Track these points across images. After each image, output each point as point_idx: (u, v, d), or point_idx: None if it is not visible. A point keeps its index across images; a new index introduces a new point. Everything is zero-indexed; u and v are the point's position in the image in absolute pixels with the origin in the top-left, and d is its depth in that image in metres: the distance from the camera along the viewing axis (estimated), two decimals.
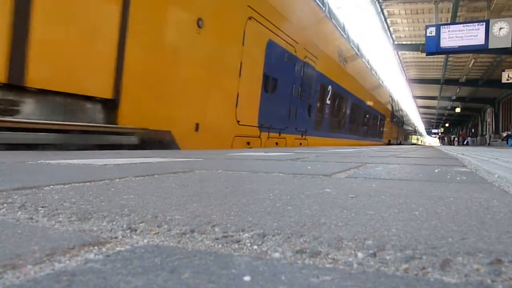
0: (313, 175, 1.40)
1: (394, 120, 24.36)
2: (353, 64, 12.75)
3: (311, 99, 8.97)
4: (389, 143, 21.88)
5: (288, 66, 7.51)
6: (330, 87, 10.34)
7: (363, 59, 14.51)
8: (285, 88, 7.53)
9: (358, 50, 13.70)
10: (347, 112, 12.90)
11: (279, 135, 7.43)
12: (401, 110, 28.49)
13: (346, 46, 11.77)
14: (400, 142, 27.88)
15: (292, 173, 1.45)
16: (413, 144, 39.54)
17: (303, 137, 8.81)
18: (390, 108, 22.08)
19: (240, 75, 5.72)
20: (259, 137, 6.61)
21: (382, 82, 19.51)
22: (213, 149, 4.68)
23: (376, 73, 17.50)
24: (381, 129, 20.24)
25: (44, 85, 3.09)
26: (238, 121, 5.80)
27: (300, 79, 8.17)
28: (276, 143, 7.37)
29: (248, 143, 6.23)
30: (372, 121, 17.52)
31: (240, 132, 5.91)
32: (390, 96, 22.20)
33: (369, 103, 16.13)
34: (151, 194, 0.88)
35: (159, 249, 0.46)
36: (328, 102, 10.48)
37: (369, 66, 15.72)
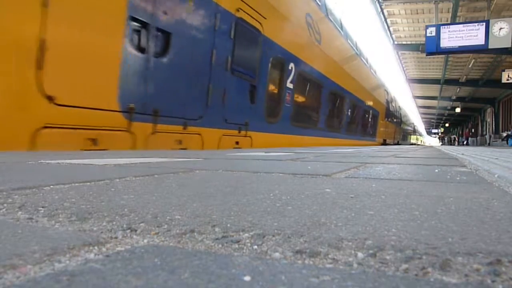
0: (313, 175, 1.40)
1: (391, 118, 22.76)
2: (333, 43, 9.94)
3: (255, 78, 6.14)
4: (384, 143, 20.42)
5: (199, 16, 4.73)
6: (292, 65, 7.42)
7: (349, 41, 11.65)
8: (193, 52, 4.71)
9: (342, 27, 10.72)
10: (322, 103, 9.83)
11: (184, 128, 4.62)
12: (399, 108, 27.17)
13: (323, 18, 8.88)
14: (398, 142, 26.74)
15: (292, 173, 1.45)
16: (412, 144, 39.32)
17: (242, 132, 6.01)
18: (385, 104, 20.35)
19: (46, 4, 2.97)
20: (128, 130, 3.82)
21: (375, 73, 17.07)
22: None
23: (367, 61, 14.97)
24: (374, 126, 17.93)
25: None
26: (52, 98, 3.08)
27: (231, 44, 5.38)
28: (180, 141, 4.58)
29: (94, 140, 3.47)
30: (361, 117, 14.93)
31: (62, 119, 3.20)
32: (386, 91, 20.34)
33: (358, 95, 13.42)
34: (151, 194, 0.88)
35: (159, 249, 0.46)
36: (289, 85, 7.50)
37: (358, 52, 12.86)
